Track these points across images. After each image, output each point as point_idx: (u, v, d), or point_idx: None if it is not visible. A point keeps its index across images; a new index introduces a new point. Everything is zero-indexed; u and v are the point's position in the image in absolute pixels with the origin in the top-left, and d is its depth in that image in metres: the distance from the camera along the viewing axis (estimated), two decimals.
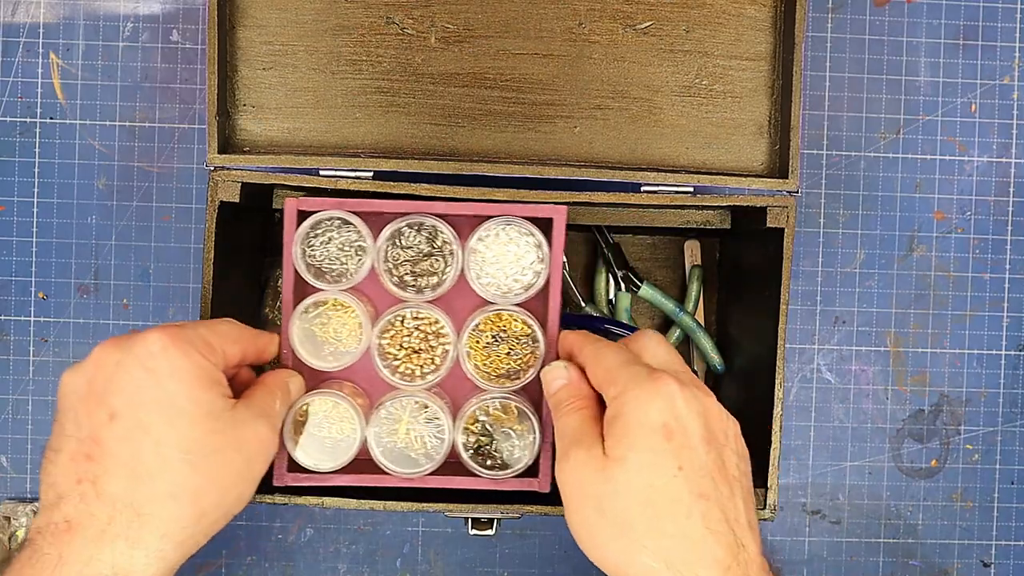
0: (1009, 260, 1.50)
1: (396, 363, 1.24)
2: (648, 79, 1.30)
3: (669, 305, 1.42)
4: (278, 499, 1.21)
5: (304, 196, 1.23)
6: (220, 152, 1.23)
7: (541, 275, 1.23)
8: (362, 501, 1.21)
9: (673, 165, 1.30)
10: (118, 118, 1.46)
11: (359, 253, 1.23)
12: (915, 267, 1.50)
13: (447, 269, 1.23)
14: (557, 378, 1.15)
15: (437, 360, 1.24)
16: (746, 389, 1.35)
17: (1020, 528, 1.51)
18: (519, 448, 1.23)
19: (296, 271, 1.21)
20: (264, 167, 1.24)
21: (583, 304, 1.44)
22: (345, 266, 1.23)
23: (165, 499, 1.01)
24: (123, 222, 1.46)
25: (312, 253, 1.22)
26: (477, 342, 1.24)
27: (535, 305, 1.26)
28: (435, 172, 1.25)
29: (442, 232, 1.23)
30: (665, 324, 1.47)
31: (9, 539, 1.42)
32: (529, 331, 1.24)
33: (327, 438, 1.22)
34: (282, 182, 1.23)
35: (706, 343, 1.43)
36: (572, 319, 1.43)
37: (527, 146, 1.30)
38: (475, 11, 1.28)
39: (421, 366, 1.24)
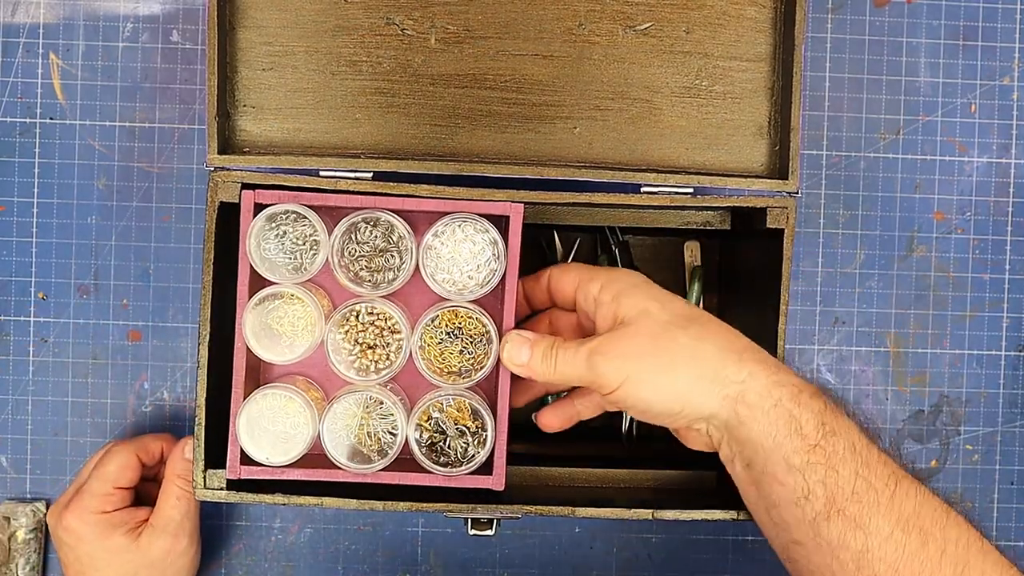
0: (1009, 260, 1.50)
1: (351, 358, 1.25)
2: (648, 80, 1.30)
3: None
4: (278, 499, 1.22)
5: (263, 189, 1.23)
6: (220, 153, 1.23)
7: (497, 272, 1.24)
8: (362, 501, 1.22)
9: (673, 166, 1.30)
10: (118, 118, 1.46)
11: (313, 247, 1.24)
12: (915, 267, 1.50)
13: (402, 264, 1.25)
14: (509, 359, 1.22)
15: (392, 356, 1.25)
16: None
17: (1020, 528, 1.51)
18: (472, 446, 1.24)
19: (251, 264, 1.23)
20: (264, 168, 1.24)
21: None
22: (300, 260, 1.24)
23: None
24: (123, 222, 1.46)
25: (267, 246, 1.24)
26: (431, 338, 1.25)
27: (491, 302, 1.27)
28: (435, 173, 1.25)
29: (397, 227, 1.24)
30: None
31: (9, 539, 1.42)
32: (484, 329, 1.25)
33: (280, 432, 1.24)
34: (282, 183, 1.23)
35: None
36: None
37: (527, 147, 1.30)
38: (475, 12, 1.28)
39: (376, 361, 1.25)
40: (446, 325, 1.25)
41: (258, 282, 1.25)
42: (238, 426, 1.23)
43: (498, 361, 1.24)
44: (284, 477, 1.23)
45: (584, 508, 1.23)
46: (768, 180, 1.27)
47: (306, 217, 1.22)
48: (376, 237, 1.24)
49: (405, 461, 1.25)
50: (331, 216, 1.24)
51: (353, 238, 1.24)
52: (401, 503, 1.22)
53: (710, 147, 1.30)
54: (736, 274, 1.41)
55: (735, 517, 1.22)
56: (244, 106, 1.28)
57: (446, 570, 1.49)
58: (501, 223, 1.25)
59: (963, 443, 1.51)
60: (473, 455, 1.24)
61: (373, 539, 1.49)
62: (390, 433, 1.25)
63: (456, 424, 1.25)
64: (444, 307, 1.25)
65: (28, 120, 1.46)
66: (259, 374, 1.30)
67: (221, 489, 1.22)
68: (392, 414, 1.25)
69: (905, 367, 1.50)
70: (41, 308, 1.47)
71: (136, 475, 1.35)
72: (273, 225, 1.23)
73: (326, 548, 1.49)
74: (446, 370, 1.25)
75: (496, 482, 1.24)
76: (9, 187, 1.46)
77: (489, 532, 1.24)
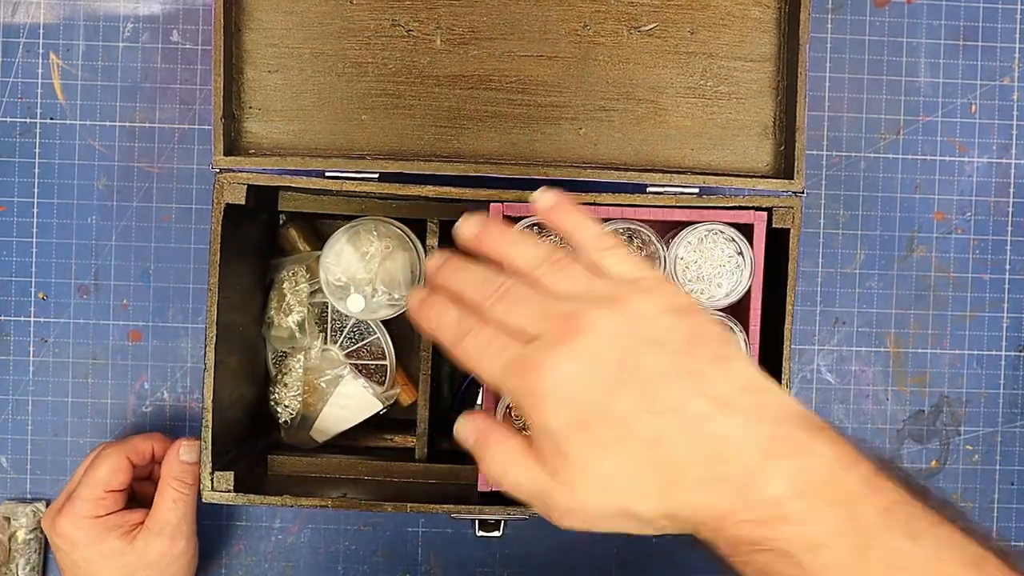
0: (1009, 260, 1.50)
1: None
2: (653, 80, 1.30)
3: None
4: (286, 500, 1.22)
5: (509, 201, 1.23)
6: (226, 154, 1.23)
7: (743, 281, 1.26)
8: (367, 502, 1.22)
9: (678, 166, 1.30)
10: (118, 118, 1.46)
11: None
12: (915, 268, 1.50)
13: None
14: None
15: None
16: None
17: (1020, 528, 1.51)
18: None
19: None
20: (269, 169, 1.24)
21: None
22: None
23: None
24: (123, 222, 1.46)
25: None
26: None
27: (734, 310, 1.28)
28: (440, 174, 1.25)
29: (638, 237, 1.25)
30: None
31: (9, 539, 1.42)
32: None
33: None
34: (288, 184, 1.23)
35: None
36: None
37: (532, 148, 1.30)
38: (480, 13, 1.28)
39: None
40: None
41: None
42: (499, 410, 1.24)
43: None
44: None
45: None
46: (773, 180, 1.27)
47: (548, 229, 1.24)
48: None
49: None
50: None
51: None
52: (409, 504, 1.22)
53: (715, 147, 1.31)
54: None
55: None
56: (250, 108, 1.28)
57: (446, 570, 1.49)
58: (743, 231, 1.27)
59: (963, 443, 1.51)
60: None
61: (373, 539, 1.49)
62: None
63: None
64: None
65: (28, 120, 1.45)
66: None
67: (229, 491, 1.22)
68: None
69: (905, 367, 1.51)
70: (41, 308, 1.46)
71: (127, 477, 1.32)
72: None
73: (326, 548, 1.49)
74: None
75: None
76: (9, 187, 1.45)
77: (496, 533, 1.25)
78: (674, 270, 1.24)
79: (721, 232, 1.25)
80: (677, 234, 1.26)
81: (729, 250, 1.25)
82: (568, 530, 0.90)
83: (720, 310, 1.26)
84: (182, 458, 1.30)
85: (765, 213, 1.24)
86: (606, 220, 1.24)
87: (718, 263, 1.25)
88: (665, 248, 1.24)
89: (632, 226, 1.24)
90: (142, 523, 1.31)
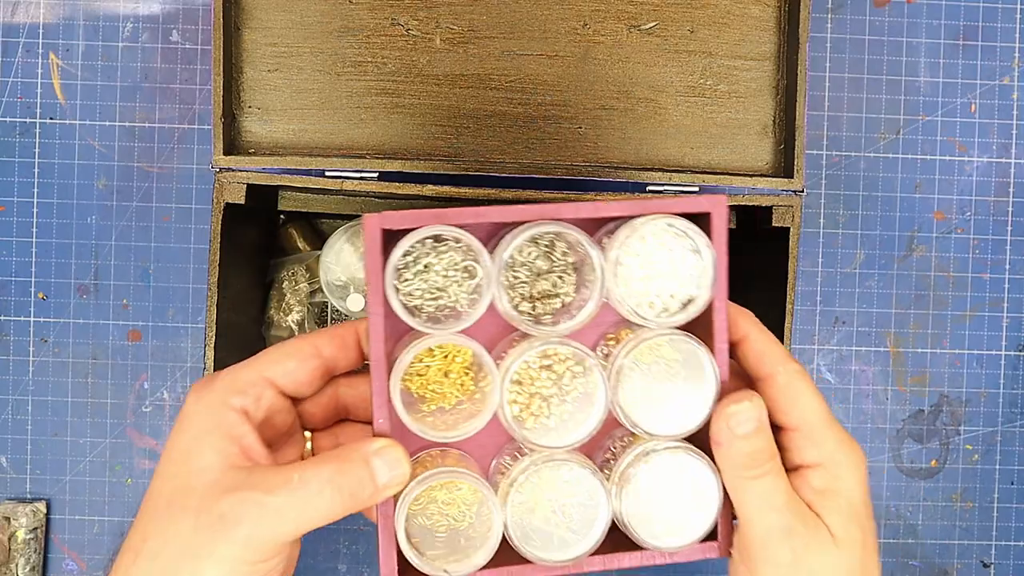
0: (1009, 260, 1.50)
1: (522, 417, 0.92)
2: (653, 79, 1.30)
3: None
4: None
5: (382, 211, 0.87)
6: (225, 154, 1.23)
7: (703, 290, 0.90)
8: None
9: (678, 165, 1.30)
10: (118, 118, 1.46)
11: (468, 278, 0.89)
12: (915, 267, 1.50)
13: (567, 288, 0.93)
14: (748, 420, 0.88)
15: (569, 405, 0.91)
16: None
17: (1020, 528, 1.51)
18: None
19: (393, 312, 0.87)
20: (269, 168, 1.24)
21: None
22: (453, 298, 0.90)
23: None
24: (123, 222, 1.46)
25: (407, 288, 0.89)
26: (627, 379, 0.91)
27: (691, 328, 0.92)
28: (440, 173, 1.25)
29: (561, 243, 0.92)
30: None
31: (9, 539, 1.42)
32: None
33: (452, 531, 0.91)
34: (287, 183, 1.23)
35: None
36: None
37: (532, 147, 1.30)
38: (480, 12, 1.28)
39: (553, 415, 0.92)
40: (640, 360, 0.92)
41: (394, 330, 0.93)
42: (399, 536, 0.87)
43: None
44: None
45: None
46: (773, 179, 1.27)
47: (448, 241, 0.89)
48: (536, 256, 0.92)
49: (609, 538, 0.92)
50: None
51: (512, 260, 0.92)
52: None
53: (715, 146, 1.30)
54: (741, 273, 1.41)
55: None
56: (249, 107, 1.28)
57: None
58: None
59: (963, 443, 1.51)
60: (698, 520, 0.92)
61: (373, 539, 1.48)
62: (586, 506, 0.91)
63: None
64: (645, 340, 0.91)
65: (28, 120, 1.45)
66: None
67: None
68: (585, 481, 0.91)
69: (905, 367, 1.50)
70: (41, 308, 1.46)
71: (312, 383, 0.90)
72: (410, 258, 0.89)
73: (326, 548, 1.48)
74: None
75: (723, 548, 0.93)
76: (9, 187, 1.45)
77: None
78: (612, 279, 0.90)
79: (671, 226, 0.90)
80: (612, 232, 0.92)
81: (681, 248, 0.91)
82: None
83: (679, 328, 0.92)
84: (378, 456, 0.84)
85: (724, 197, 0.90)
86: (510, 224, 0.89)
87: (670, 266, 0.91)
88: (598, 251, 0.89)
89: (557, 228, 0.87)
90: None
